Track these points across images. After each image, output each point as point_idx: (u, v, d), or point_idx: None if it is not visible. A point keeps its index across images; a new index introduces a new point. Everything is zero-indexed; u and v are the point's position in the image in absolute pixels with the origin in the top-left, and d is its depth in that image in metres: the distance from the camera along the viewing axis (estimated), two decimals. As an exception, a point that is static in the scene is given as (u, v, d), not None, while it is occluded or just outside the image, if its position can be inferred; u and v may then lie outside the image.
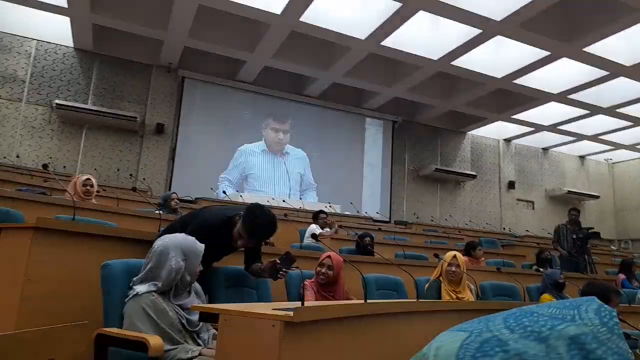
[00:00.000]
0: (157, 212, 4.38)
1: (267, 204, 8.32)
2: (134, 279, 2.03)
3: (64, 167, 8.93)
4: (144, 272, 2.03)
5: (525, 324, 0.44)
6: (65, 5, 7.70)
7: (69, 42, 9.34)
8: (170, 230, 2.52)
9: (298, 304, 1.89)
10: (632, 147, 13.67)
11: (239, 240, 2.45)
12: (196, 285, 2.27)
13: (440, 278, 3.68)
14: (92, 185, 4.48)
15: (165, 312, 1.97)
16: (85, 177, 4.52)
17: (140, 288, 1.97)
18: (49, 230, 2.30)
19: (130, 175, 9.43)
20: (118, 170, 9.44)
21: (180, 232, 2.36)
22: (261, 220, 2.40)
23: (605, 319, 0.42)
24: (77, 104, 9.21)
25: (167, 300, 2.04)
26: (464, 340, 0.44)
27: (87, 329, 2.04)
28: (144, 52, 9.74)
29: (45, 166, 3.39)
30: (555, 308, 0.45)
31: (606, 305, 0.44)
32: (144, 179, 9.44)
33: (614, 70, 8.74)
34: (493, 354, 0.42)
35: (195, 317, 2.04)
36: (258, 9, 7.45)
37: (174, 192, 5.83)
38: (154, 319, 1.91)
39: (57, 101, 9.01)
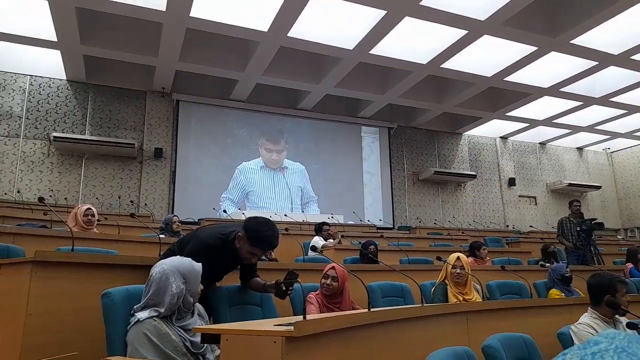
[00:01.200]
0: (160, 236, 4.39)
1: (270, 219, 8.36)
2: (135, 306, 2.03)
3: (65, 198, 8.97)
4: (145, 299, 2.02)
5: None
6: (55, 39, 7.80)
7: (62, 75, 9.45)
8: (169, 254, 2.53)
9: (300, 318, 1.89)
10: (629, 135, 13.67)
11: (253, 258, 2.47)
12: (199, 306, 2.27)
13: (446, 281, 3.67)
14: (93, 215, 4.50)
15: (167, 336, 1.97)
16: (85, 207, 4.54)
17: (142, 314, 1.97)
18: (48, 263, 2.31)
19: (131, 201, 9.45)
20: (119, 197, 9.47)
21: (179, 254, 2.37)
22: (266, 229, 2.42)
23: None
24: (74, 135, 9.28)
25: (170, 324, 2.03)
26: None
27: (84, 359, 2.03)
28: (136, 79, 9.84)
29: (41, 199, 3.41)
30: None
31: None
32: (145, 204, 9.47)
33: (603, 60, 8.78)
34: None
35: (199, 338, 2.03)
36: (245, 27, 7.54)
37: (175, 215, 5.85)
38: (157, 344, 1.91)
39: (54, 134, 9.08)
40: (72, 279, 2.39)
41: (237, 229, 2.51)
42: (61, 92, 9.59)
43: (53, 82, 9.55)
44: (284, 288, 2.53)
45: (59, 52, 8.38)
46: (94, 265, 2.49)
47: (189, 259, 2.17)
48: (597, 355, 0.42)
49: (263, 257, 4.35)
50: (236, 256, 2.51)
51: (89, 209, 4.51)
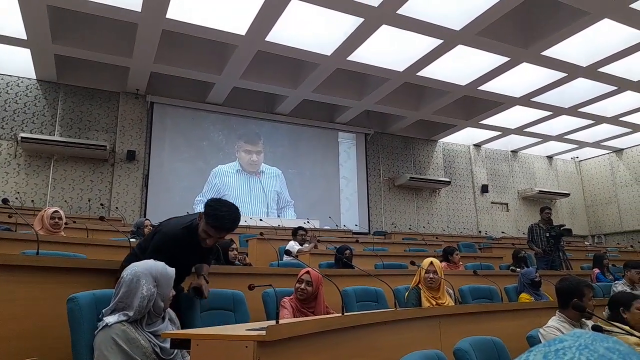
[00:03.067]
0: (131, 240, 4.28)
1: (245, 223, 8.29)
2: (104, 310, 1.97)
3: (32, 201, 8.69)
4: (114, 302, 1.97)
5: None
6: (25, 37, 7.57)
7: (31, 74, 9.17)
8: (131, 257, 2.48)
9: (273, 322, 1.87)
10: (596, 145, 14.15)
11: (207, 239, 2.41)
12: (170, 311, 2.22)
13: (420, 285, 3.70)
14: (60, 218, 4.37)
15: (136, 341, 1.91)
16: (52, 209, 4.41)
17: (110, 319, 1.92)
18: (12, 267, 2.22)
19: (102, 204, 9.22)
20: (89, 200, 9.23)
21: (141, 255, 2.35)
22: (225, 209, 2.38)
23: None
24: (43, 136, 9.00)
25: (140, 329, 1.98)
26: None
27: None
28: (109, 79, 9.65)
29: (5, 201, 3.28)
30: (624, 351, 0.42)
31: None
32: (116, 207, 9.26)
33: (572, 71, 9.08)
34: None
35: (169, 344, 1.99)
36: (222, 31, 7.48)
37: (147, 219, 5.73)
38: (125, 350, 1.86)
39: (22, 134, 8.79)
40: (37, 284, 2.31)
41: (196, 218, 2.47)
42: (30, 92, 9.30)
43: (22, 81, 9.26)
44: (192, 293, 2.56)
45: (28, 50, 8.14)
46: (60, 270, 2.41)
47: (163, 263, 2.12)
48: (560, 352, 0.42)
49: (237, 262, 4.30)
50: (199, 245, 2.47)
51: (56, 211, 4.38)
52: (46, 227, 4.25)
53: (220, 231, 2.40)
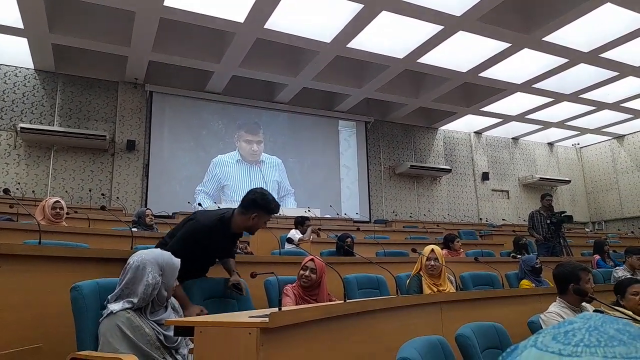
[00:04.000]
0: (132, 229, 4.29)
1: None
2: (109, 296, 1.98)
3: (33, 191, 8.69)
4: (119, 288, 1.99)
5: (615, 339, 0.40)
6: (22, 27, 7.51)
7: (29, 64, 9.12)
8: (161, 246, 2.57)
9: (276, 309, 1.88)
10: (597, 131, 14.11)
11: (253, 225, 2.65)
12: (173, 300, 2.23)
13: (421, 272, 3.72)
14: (61, 208, 4.37)
15: (141, 329, 1.93)
16: (53, 199, 4.41)
17: (115, 306, 1.93)
18: (14, 256, 2.23)
19: (103, 194, 9.23)
20: (90, 190, 9.24)
21: (170, 241, 2.53)
22: (270, 196, 2.68)
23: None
24: (42, 127, 8.98)
25: (144, 317, 1.99)
26: None
27: (61, 353, 1.97)
28: (108, 69, 9.58)
29: (6, 191, 3.28)
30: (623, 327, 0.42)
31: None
32: (117, 197, 9.27)
33: (573, 57, 9.01)
34: None
35: (172, 332, 2.00)
36: (221, 18, 7.41)
37: (148, 209, 5.74)
38: (130, 337, 1.87)
39: (21, 125, 8.77)
40: (40, 273, 2.32)
41: (230, 210, 2.70)
42: (28, 82, 9.25)
43: (19, 71, 9.20)
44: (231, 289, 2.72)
45: (25, 40, 8.07)
46: (62, 259, 2.42)
47: (169, 252, 2.14)
48: (569, 333, 0.42)
49: (239, 251, 4.32)
50: (230, 237, 2.73)
51: (57, 201, 4.38)
52: (48, 217, 4.25)
53: (269, 213, 2.69)
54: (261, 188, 2.76)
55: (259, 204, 2.63)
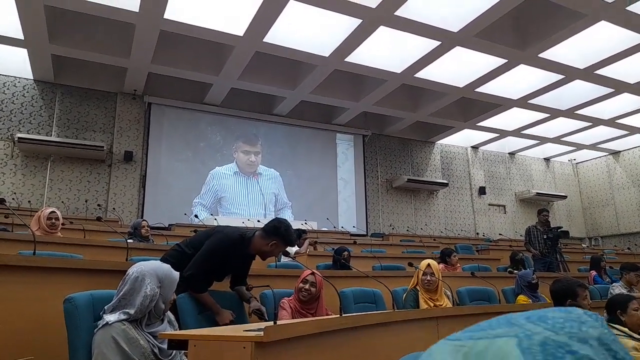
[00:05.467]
0: (128, 240, 4.27)
1: (242, 225, 8.27)
2: (105, 307, 1.97)
3: (29, 202, 8.65)
4: (117, 298, 1.97)
5: (558, 325, 0.40)
6: (22, 37, 7.55)
7: (28, 74, 9.15)
8: (175, 253, 2.76)
9: (271, 323, 1.86)
10: (593, 147, 14.20)
11: (269, 252, 2.73)
12: (169, 313, 2.21)
13: (417, 287, 3.70)
14: (57, 219, 4.35)
15: (136, 341, 1.91)
16: (49, 210, 4.40)
17: (111, 317, 1.91)
18: (8, 267, 2.21)
19: (99, 205, 9.20)
20: (86, 201, 9.20)
21: (190, 251, 2.67)
22: (292, 229, 2.78)
23: (600, 320, 0.41)
24: (40, 137, 8.98)
25: (139, 329, 1.97)
26: (518, 344, 0.38)
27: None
28: (107, 80, 9.62)
29: (2, 201, 3.27)
30: (551, 312, 0.42)
31: (593, 313, 0.43)
32: (114, 208, 9.23)
33: (569, 74, 9.10)
34: (562, 357, 0.37)
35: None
36: (220, 31, 7.48)
37: (144, 220, 5.71)
38: (125, 350, 1.85)
39: (19, 135, 8.76)
40: (34, 284, 2.30)
41: (252, 231, 2.80)
42: (27, 92, 9.27)
43: (19, 82, 9.23)
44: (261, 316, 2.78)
45: (25, 50, 8.11)
46: (56, 270, 2.40)
47: (169, 265, 2.13)
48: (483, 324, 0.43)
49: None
50: (245, 256, 2.82)
51: (53, 212, 4.36)
52: (43, 228, 4.23)
53: (286, 244, 2.78)
54: (286, 220, 2.86)
55: (281, 232, 2.71)
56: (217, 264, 2.64)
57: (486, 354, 0.39)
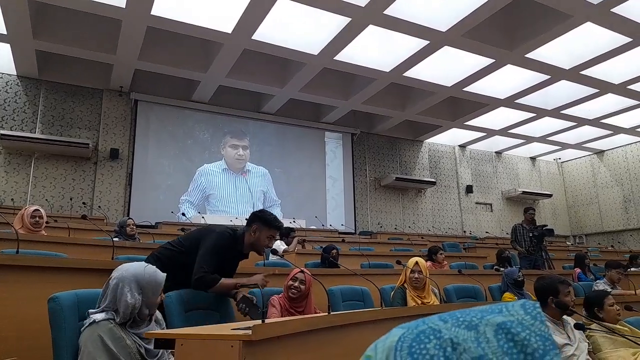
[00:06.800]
0: (114, 239, 4.21)
1: (230, 223, 8.24)
2: (90, 310, 1.93)
3: (12, 199, 8.50)
4: (102, 306, 1.93)
5: (457, 316, 0.48)
6: (4, 32, 7.41)
7: (12, 70, 8.98)
8: (166, 251, 2.72)
9: (259, 322, 1.85)
10: (578, 146, 14.41)
11: (256, 240, 2.73)
12: (157, 312, 2.18)
13: (405, 285, 3.72)
14: (41, 217, 4.28)
15: (122, 340, 1.88)
16: (33, 208, 4.32)
17: (98, 316, 1.88)
18: (-10, 266, 2.16)
19: (84, 203, 9.07)
20: (71, 199, 9.07)
21: (188, 251, 2.64)
22: (269, 212, 2.83)
23: (529, 310, 0.47)
24: (23, 134, 8.82)
25: (125, 329, 1.95)
26: (402, 334, 0.47)
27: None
28: (92, 76, 9.49)
29: (-16, 199, 3.19)
30: (487, 307, 0.50)
31: (531, 302, 0.48)
32: (99, 206, 9.12)
33: (555, 74, 9.22)
34: (428, 341, 0.45)
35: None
36: (208, 28, 7.42)
37: (130, 218, 5.64)
38: (111, 349, 1.82)
39: (1, 132, 8.60)
40: (17, 283, 2.26)
41: (241, 229, 2.80)
42: (10, 88, 9.10)
43: (1, 77, 9.06)
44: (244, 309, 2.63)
45: (8, 45, 7.96)
46: (40, 269, 2.36)
47: (154, 267, 2.08)
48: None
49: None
50: (238, 254, 2.83)
51: (36, 210, 4.29)
52: (26, 226, 4.16)
53: (278, 231, 2.86)
54: (266, 210, 2.94)
55: (257, 215, 2.77)
56: (220, 260, 2.65)
57: (381, 343, 0.49)
